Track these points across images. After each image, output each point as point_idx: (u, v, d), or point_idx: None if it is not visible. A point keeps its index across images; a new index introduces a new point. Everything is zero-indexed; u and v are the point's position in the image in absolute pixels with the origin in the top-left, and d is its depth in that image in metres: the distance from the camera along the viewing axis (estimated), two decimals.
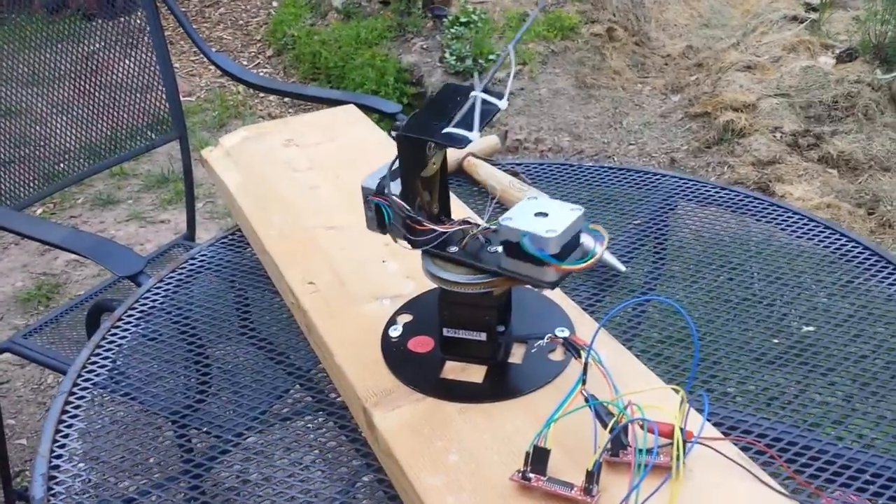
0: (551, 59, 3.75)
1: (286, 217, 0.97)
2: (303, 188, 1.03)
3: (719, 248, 0.98)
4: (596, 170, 1.14)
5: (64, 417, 0.76)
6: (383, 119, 1.61)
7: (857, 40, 3.54)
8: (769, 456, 0.65)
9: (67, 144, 1.85)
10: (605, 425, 0.60)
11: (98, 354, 0.84)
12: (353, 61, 3.81)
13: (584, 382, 0.63)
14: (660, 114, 3.55)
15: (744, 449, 0.63)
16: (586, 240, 0.66)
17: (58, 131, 1.84)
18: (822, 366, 0.77)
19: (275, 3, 5.07)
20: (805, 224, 1.01)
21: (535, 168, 1.15)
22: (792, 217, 1.02)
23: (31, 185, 1.75)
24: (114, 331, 0.87)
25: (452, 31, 3.69)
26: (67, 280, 2.78)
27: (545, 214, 0.64)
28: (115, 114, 1.92)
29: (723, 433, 0.64)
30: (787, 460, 0.67)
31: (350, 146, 1.12)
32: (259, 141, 1.15)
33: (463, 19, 3.73)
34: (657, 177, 1.11)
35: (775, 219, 1.03)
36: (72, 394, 0.78)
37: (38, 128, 1.81)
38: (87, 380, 0.80)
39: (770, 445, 0.69)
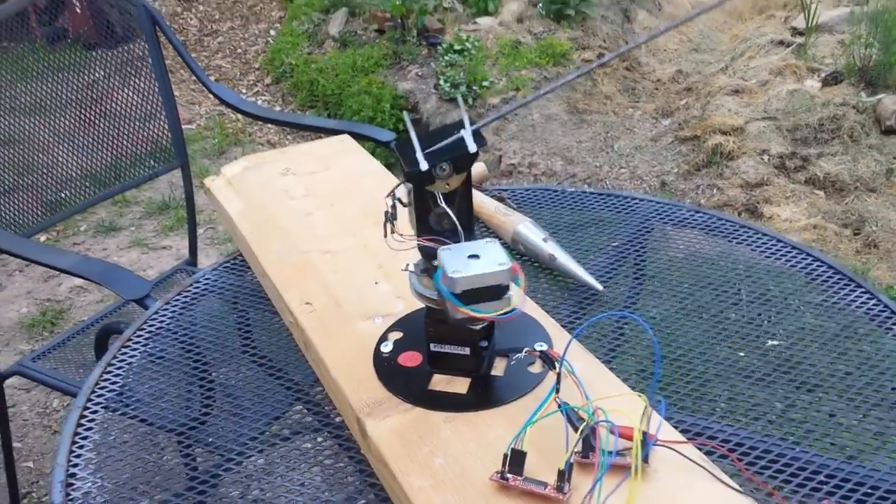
0: (544, 85, 3.83)
1: (284, 242, 1.03)
2: (299, 215, 1.09)
3: (701, 268, 1.04)
4: (578, 195, 1.21)
5: (79, 430, 0.81)
6: (378, 146, 1.67)
7: (843, 63, 3.62)
8: (730, 459, 0.71)
9: (70, 172, 1.89)
10: (575, 429, 0.66)
11: (109, 372, 0.90)
12: (349, 88, 3.89)
13: (557, 391, 0.69)
14: (650, 137, 3.63)
15: (708, 453, 0.68)
16: (515, 294, 0.70)
17: (60, 159, 1.88)
18: (808, 382, 0.82)
19: (272, 32, 5.17)
20: (774, 245, 1.07)
21: (521, 193, 1.21)
22: (762, 238, 1.09)
23: (35, 212, 1.78)
24: (123, 350, 0.93)
25: (446, 58, 3.78)
26: (71, 306, 2.84)
27: (477, 257, 0.70)
28: (117, 142, 1.96)
29: (688, 438, 0.70)
30: (746, 463, 0.73)
31: (344, 175, 1.18)
32: (258, 170, 1.21)
33: (457, 47, 3.82)
34: (635, 201, 1.18)
35: (746, 240, 1.09)
36: (86, 408, 0.84)
37: (40, 156, 1.85)
38: (99, 395, 0.86)
39: (732, 450, 0.74)
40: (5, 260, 3.12)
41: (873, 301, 0.95)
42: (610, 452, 0.63)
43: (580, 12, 4.12)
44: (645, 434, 0.66)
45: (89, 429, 0.82)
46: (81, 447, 0.79)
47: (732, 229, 1.11)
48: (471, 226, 0.76)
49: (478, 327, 0.76)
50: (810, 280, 1.00)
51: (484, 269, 0.68)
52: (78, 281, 2.98)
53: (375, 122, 3.71)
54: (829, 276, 1.01)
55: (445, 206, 0.73)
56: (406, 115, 0.75)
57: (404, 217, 0.77)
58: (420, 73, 3.87)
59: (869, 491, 0.71)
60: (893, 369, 0.85)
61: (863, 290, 0.97)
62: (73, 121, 1.90)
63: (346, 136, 1.30)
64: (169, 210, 3.39)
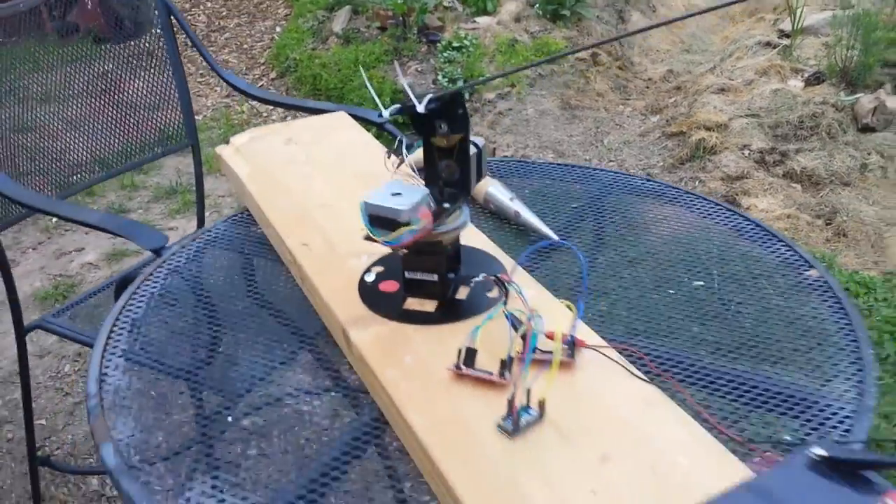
0: (538, 82, 3.99)
1: (287, 199, 1.19)
2: (300, 177, 1.25)
3: (645, 224, 1.19)
4: (545, 166, 1.36)
5: (108, 342, 0.97)
6: (371, 127, 1.82)
7: (825, 64, 3.78)
8: (638, 357, 0.86)
9: (80, 158, 1.99)
10: (516, 330, 0.81)
11: (134, 298, 1.05)
12: (351, 83, 4.05)
13: (505, 303, 0.84)
14: (639, 133, 3.78)
15: (628, 358, 0.84)
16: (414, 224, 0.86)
17: (71, 146, 1.98)
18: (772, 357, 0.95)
19: (278, 29, 5.34)
20: (704, 204, 1.23)
21: (495, 163, 1.37)
22: (696, 200, 1.24)
23: (47, 195, 1.87)
24: (145, 283, 1.09)
25: (445, 55, 3.94)
26: (82, 281, 3.00)
27: (399, 195, 0.87)
28: (126, 129, 2.06)
29: (614, 346, 0.86)
30: (651, 361, 0.88)
31: (340, 144, 1.34)
32: (263, 140, 1.37)
33: (455, 44, 3.98)
34: (596, 171, 1.33)
35: (682, 202, 1.25)
36: (114, 325, 1.00)
37: (52, 142, 1.95)
38: (126, 315, 1.02)
39: (645, 355, 0.90)
40: (19, 238, 3.28)
41: (790, 252, 1.10)
42: (535, 347, 0.78)
43: (575, 13, 4.28)
44: (572, 336, 0.81)
45: (117, 341, 0.98)
46: (112, 353, 0.95)
47: (676, 194, 1.26)
48: (466, 180, 0.91)
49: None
50: (736, 233, 1.16)
51: (386, 202, 0.85)
52: (88, 257, 3.14)
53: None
54: (751, 229, 1.16)
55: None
56: (396, 64, 0.90)
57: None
58: (419, 69, 4.03)
59: (762, 392, 0.86)
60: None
61: (783, 242, 1.12)
62: (83, 109, 2.00)
63: (342, 113, 1.45)
64: (176, 194, 3.55)
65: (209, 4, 5.86)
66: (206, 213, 3.33)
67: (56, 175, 1.94)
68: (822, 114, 3.41)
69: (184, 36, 2.07)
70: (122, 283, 1.39)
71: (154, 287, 1.08)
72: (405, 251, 0.93)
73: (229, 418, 0.87)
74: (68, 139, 1.98)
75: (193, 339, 0.99)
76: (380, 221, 0.86)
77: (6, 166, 1.83)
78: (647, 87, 4.25)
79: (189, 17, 5.64)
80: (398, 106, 0.88)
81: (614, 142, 3.74)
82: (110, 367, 0.92)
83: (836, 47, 3.76)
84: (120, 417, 0.86)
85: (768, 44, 4.17)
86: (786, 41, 4.11)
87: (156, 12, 1.98)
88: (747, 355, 0.92)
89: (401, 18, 4.18)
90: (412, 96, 0.87)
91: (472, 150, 0.89)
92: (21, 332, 1.78)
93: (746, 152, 3.34)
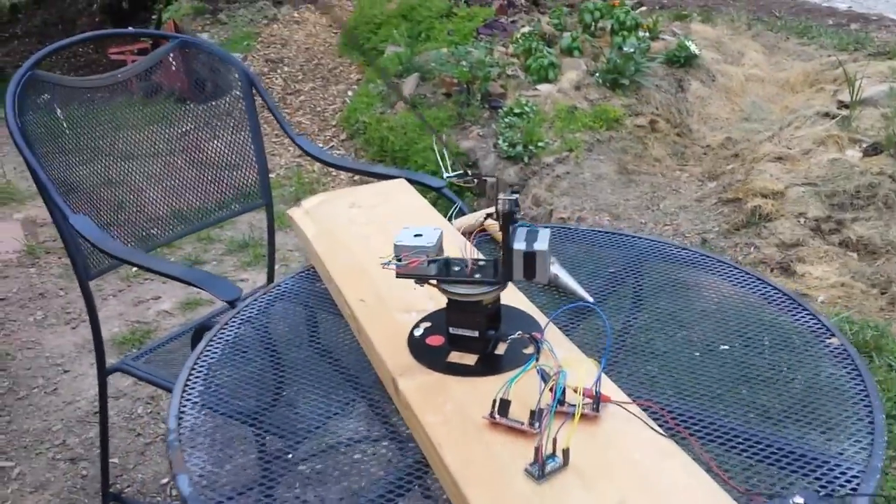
0: (596, 147, 4.10)
1: (347, 256, 1.31)
2: (360, 237, 1.38)
3: (680, 291, 1.28)
4: (585, 231, 1.46)
5: (187, 384, 1.10)
6: (430, 192, 1.96)
7: (883, 135, 3.80)
8: (660, 415, 0.94)
9: (160, 212, 2.09)
10: (546, 383, 0.91)
11: (210, 345, 1.18)
12: (416, 145, 4.23)
13: (537, 359, 0.94)
14: (695, 198, 3.85)
15: (651, 414, 0.92)
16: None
17: (151, 200, 2.09)
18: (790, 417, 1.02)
19: (349, 93, 5.60)
20: (740, 274, 1.31)
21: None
22: (731, 269, 1.32)
23: (127, 245, 1.96)
24: (221, 332, 1.22)
25: (506, 120, 4.09)
26: (158, 327, 3.18)
27: (420, 236, 1.03)
28: (205, 186, 2.18)
29: (635, 401, 0.94)
30: (672, 419, 0.97)
31: (398, 208, 1.47)
32: (331, 203, 1.51)
33: (516, 111, 4.13)
34: (633, 238, 1.43)
35: (718, 270, 1.33)
36: (193, 368, 1.12)
37: (133, 196, 2.07)
38: (203, 360, 1.15)
39: (666, 411, 0.98)
40: (101, 285, 3.50)
41: (814, 320, 1.17)
42: (562, 401, 0.88)
43: (634, 82, 4.40)
44: (597, 391, 0.91)
45: (194, 383, 1.10)
46: (191, 392, 1.07)
47: (709, 262, 1.35)
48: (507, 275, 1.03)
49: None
50: (765, 302, 1.23)
51: (405, 241, 1.02)
52: (164, 305, 3.33)
53: (438, 175, 4.04)
54: (780, 298, 1.24)
55: None
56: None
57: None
58: (481, 133, 4.19)
59: (775, 451, 0.93)
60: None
61: (807, 312, 1.19)
62: (164, 166, 2.12)
63: (401, 180, 1.59)
64: (248, 248, 3.75)
65: (286, 69, 6.17)
66: (276, 266, 3.50)
67: (137, 227, 2.06)
68: (880, 184, 3.43)
69: (261, 99, 2.21)
70: (199, 331, 1.53)
71: (228, 336, 1.21)
72: (446, 309, 1.04)
73: (289, 455, 0.98)
74: (149, 194, 2.10)
75: (260, 385, 1.11)
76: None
77: (92, 218, 1.97)
78: (705, 154, 4.32)
79: (266, 80, 5.95)
80: (460, 171, 1.02)
81: (670, 206, 3.81)
82: (187, 407, 1.05)
83: (894, 118, 3.78)
84: (195, 452, 0.97)
85: (827, 114, 4.21)
86: (845, 112, 4.15)
87: (236, 76, 2.15)
88: (767, 415, 0.99)
89: (465, 86, 4.36)
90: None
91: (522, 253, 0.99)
92: (103, 373, 1.94)
93: (802, 220, 3.37)
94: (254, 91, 2.17)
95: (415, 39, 5.55)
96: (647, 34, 4.76)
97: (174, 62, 2.49)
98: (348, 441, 1.03)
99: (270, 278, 2.36)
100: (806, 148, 3.90)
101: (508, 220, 0.97)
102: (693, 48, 4.71)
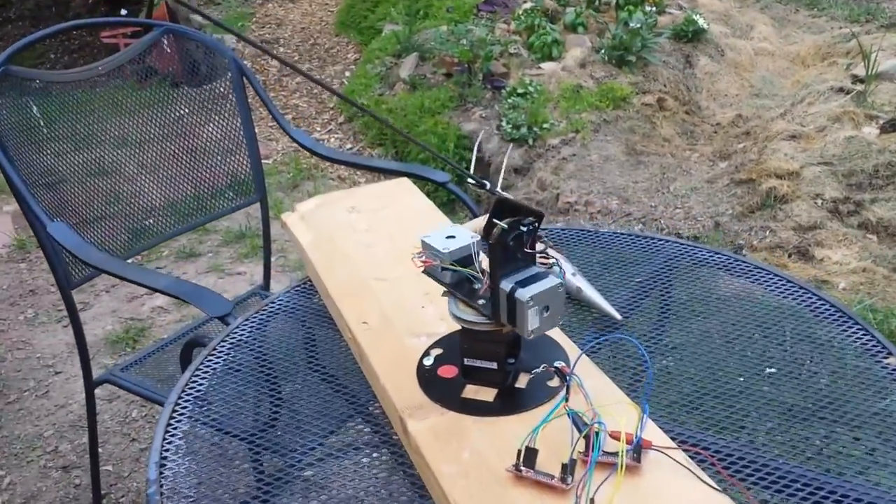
0: (603, 127, 3.96)
1: (347, 269, 1.19)
2: (361, 246, 1.25)
3: (716, 303, 1.16)
4: (609, 235, 1.34)
5: (171, 422, 0.98)
6: (436, 187, 1.83)
7: None
8: (709, 462, 0.83)
9: (154, 202, 2.01)
10: (579, 431, 0.79)
11: (197, 375, 1.06)
12: (417, 128, 4.09)
13: (567, 399, 0.82)
14: (706, 179, 3.71)
15: (700, 462, 0.81)
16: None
17: (146, 190, 1.99)
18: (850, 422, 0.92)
19: (347, 74, 5.44)
20: (780, 282, 1.18)
21: (557, 233, 1.35)
22: (773, 278, 1.20)
23: (121, 237, 1.91)
24: (209, 358, 1.10)
25: (510, 101, 3.95)
26: (152, 324, 3.07)
27: (453, 237, 0.91)
28: (199, 175, 2.09)
29: (679, 445, 0.82)
30: (732, 471, 0.85)
31: (401, 212, 1.34)
32: (328, 207, 1.38)
33: (520, 90, 3.99)
34: (661, 241, 1.30)
35: (759, 279, 1.21)
36: (177, 404, 1.01)
37: (127, 186, 1.98)
38: (187, 394, 1.03)
39: (716, 457, 0.86)
40: (94, 281, 3.38)
41: (867, 336, 1.05)
42: (601, 450, 0.76)
43: (641, 58, 4.25)
44: (638, 438, 0.79)
45: (179, 420, 0.98)
46: (173, 435, 0.95)
47: (745, 268, 1.22)
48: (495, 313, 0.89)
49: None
50: (813, 317, 1.11)
51: (430, 240, 0.92)
52: (159, 301, 3.21)
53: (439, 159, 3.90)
54: (831, 314, 1.11)
55: None
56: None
57: None
58: (484, 115, 4.05)
59: (839, 499, 0.81)
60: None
61: (859, 326, 1.07)
62: (158, 154, 2.03)
63: (404, 179, 1.46)
64: (244, 239, 3.62)
65: (282, 49, 6.01)
66: (274, 259, 3.38)
67: (131, 218, 1.97)
68: None
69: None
70: (189, 347, 1.41)
71: (217, 363, 1.09)
72: (462, 337, 0.92)
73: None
74: (143, 183, 2.01)
75: (254, 417, 0.99)
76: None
77: (83, 210, 1.87)
78: (715, 133, 4.18)
79: (262, 62, 5.79)
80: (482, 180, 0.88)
81: (681, 188, 3.68)
82: (170, 451, 0.93)
83: None
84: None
85: (841, 89, 4.06)
86: (859, 87, 4.00)
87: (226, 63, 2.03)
88: (824, 455, 0.88)
89: (466, 65, 4.21)
90: None
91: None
92: (90, 385, 1.82)
93: (819, 202, 3.25)
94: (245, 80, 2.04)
95: (413, 17, 5.38)
96: (654, 8, 4.59)
97: (167, 45, 2.40)
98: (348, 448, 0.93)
99: (267, 276, 2.24)
100: (820, 125, 3.76)
101: (499, 250, 0.83)
102: (701, 22, 4.55)
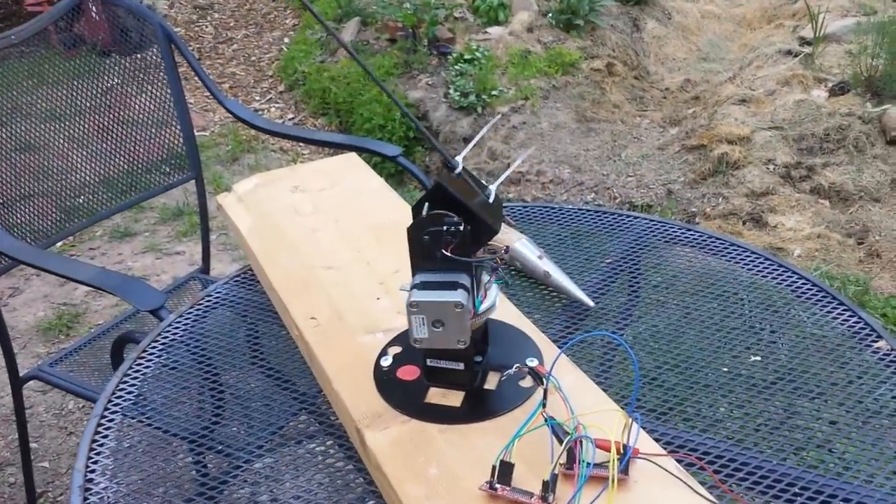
0: (552, 94, 3.88)
1: (291, 258, 1.08)
2: (306, 231, 1.14)
3: (691, 283, 1.08)
4: (575, 211, 1.25)
5: (96, 437, 0.86)
6: (384, 162, 1.72)
7: (849, 74, 3.65)
8: (699, 467, 0.75)
9: (86, 178, 1.91)
10: (560, 442, 0.70)
11: (125, 382, 0.95)
12: (360, 97, 3.95)
13: (544, 406, 0.73)
14: (658, 146, 3.66)
15: (688, 466, 0.73)
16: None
17: (76, 165, 1.89)
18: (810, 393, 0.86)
19: (286, 40, 5.24)
20: (762, 262, 1.11)
21: (520, 210, 1.26)
22: (750, 255, 1.13)
23: (52, 217, 1.80)
24: (139, 361, 0.99)
25: (456, 67, 3.83)
26: (87, 310, 2.90)
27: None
28: (132, 148, 1.98)
29: (668, 451, 0.75)
30: (724, 476, 0.77)
31: (349, 192, 1.23)
32: (269, 187, 1.26)
33: (467, 56, 3.87)
34: (629, 218, 1.22)
35: (735, 257, 1.13)
36: (103, 417, 0.89)
37: (57, 162, 1.86)
38: (116, 405, 0.91)
39: (710, 463, 0.79)
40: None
41: (854, 318, 0.99)
42: (589, 464, 0.67)
43: (589, 22, 4.16)
44: (626, 447, 0.70)
45: (106, 436, 0.87)
46: (98, 453, 0.84)
47: (720, 245, 1.15)
48: None
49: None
50: (796, 297, 1.04)
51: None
52: None
53: (386, 129, 3.77)
54: (814, 294, 1.05)
55: None
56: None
57: None
58: (430, 83, 3.92)
59: (841, 502, 0.75)
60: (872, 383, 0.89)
61: (844, 307, 1.01)
62: (88, 127, 1.93)
63: (352, 154, 1.35)
64: (182, 216, 3.45)
65: (216, 15, 5.77)
66: (214, 236, 3.23)
67: (61, 196, 1.86)
68: (849, 126, 3.28)
69: (191, 49, 1.97)
70: (119, 344, 1.29)
71: (147, 368, 0.97)
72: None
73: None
74: (73, 158, 1.90)
75: (193, 424, 0.88)
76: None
77: (10, 188, 1.75)
78: (665, 98, 4.13)
79: (196, 28, 5.55)
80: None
81: (632, 156, 3.62)
82: (96, 472, 0.82)
83: (860, 56, 3.63)
84: None
85: (789, 52, 4.04)
86: (807, 49, 3.98)
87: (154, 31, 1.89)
88: (816, 451, 0.81)
89: (410, 30, 4.07)
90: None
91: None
92: (17, 383, 1.68)
93: (771, 167, 3.22)
94: (173, 48, 1.90)
95: None
96: None
97: (95, 11, 2.26)
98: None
99: (206, 259, 2.11)
100: (770, 89, 3.73)
101: (413, 240, 0.74)
102: None
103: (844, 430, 0.85)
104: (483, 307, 0.78)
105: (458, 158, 0.74)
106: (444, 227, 0.73)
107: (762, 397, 0.89)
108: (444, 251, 0.74)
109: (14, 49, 1.83)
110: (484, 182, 0.78)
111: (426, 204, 0.74)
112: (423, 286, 0.75)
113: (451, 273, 0.75)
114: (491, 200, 0.75)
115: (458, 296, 0.73)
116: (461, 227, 0.73)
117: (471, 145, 0.90)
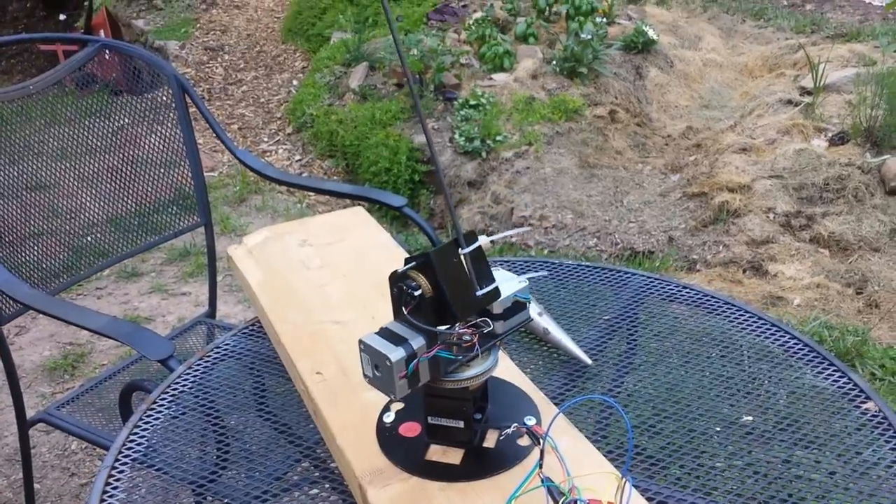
0: (556, 140, 3.94)
1: (299, 312, 1.12)
2: (314, 286, 1.18)
3: (685, 343, 1.11)
4: (574, 267, 1.29)
5: (107, 489, 0.89)
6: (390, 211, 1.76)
7: (849, 124, 3.71)
8: None
9: (94, 217, 1.92)
10: (555, 503, 0.73)
11: (135, 433, 0.98)
12: (367, 140, 4.02)
13: (540, 466, 0.76)
14: (659, 193, 3.71)
15: None
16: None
17: (86, 204, 1.91)
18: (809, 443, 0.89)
19: (295, 82, 5.33)
20: (752, 319, 1.14)
21: (520, 265, 1.29)
22: (744, 315, 1.16)
23: (60, 256, 1.81)
24: (149, 412, 1.02)
25: (462, 113, 3.90)
26: (92, 350, 2.93)
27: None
28: (141, 188, 2.00)
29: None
30: None
31: (357, 247, 1.27)
32: (278, 241, 1.30)
33: (472, 102, 3.94)
34: (627, 275, 1.25)
35: (729, 316, 1.16)
36: (114, 468, 0.92)
37: (66, 201, 1.88)
38: (126, 455, 0.94)
39: None
40: None
41: (844, 379, 1.02)
42: None
43: (593, 70, 4.24)
44: None
45: (115, 487, 0.90)
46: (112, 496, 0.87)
47: (715, 304, 1.18)
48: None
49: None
50: (787, 357, 1.07)
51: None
52: None
53: (391, 172, 3.83)
54: (805, 354, 1.08)
55: None
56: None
57: None
58: (436, 127, 3.99)
59: None
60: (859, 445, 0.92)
61: (835, 367, 1.04)
62: (98, 166, 1.95)
63: (359, 209, 1.39)
64: (189, 256, 3.50)
65: (227, 57, 5.88)
66: (220, 277, 3.27)
67: (69, 235, 1.88)
68: (849, 176, 3.33)
69: (201, 89, 2.01)
70: (128, 391, 1.32)
71: (156, 421, 1.00)
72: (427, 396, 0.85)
73: None
74: (83, 197, 1.92)
75: (200, 476, 0.91)
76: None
77: (20, 226, 1.77)
78: (667, 145, 4.19)
79: (206, 70, 5.65)
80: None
81: (634, 202, 3.67)
82: None
83: (860, 106, 3.69)
84: None
85: (789, 101, 4.11)
86: (808, 99, 4.05)
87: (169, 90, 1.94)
88: (784, 479, 0.83)
89: (417, 76, 4.15)
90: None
91: None
92: (24, 425, 1.71)
93: (771, 215, 3.26)
94: (187, 99, 1.95)
95: (362, 25, 5.30)
96: (604, 19, 4.59)
97: (108, 50, 2.30)
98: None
99: (213, 303, 2.14)
100: (770, 137, 3.79)
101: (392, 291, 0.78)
102: (651, 33, 4.57)
103: (842, 483, 0.87)
104: (422, 373, 0.79)
105: (483, 238, 0.79)
106: (405, 288, 0.77)
107: (759, 445, 0.92)
108: (403, 308, 0.79)
109: (28, 98, 1.87)
110: (493, 265, 0.82)
111: (410, 263, 0.79)
112: (382, 332, 0.80)
113: (409, 330, 0.79)
114: (478, 294, 0.79)
115: (394, 352, 0.77)
116: (416, 293, 0.77)
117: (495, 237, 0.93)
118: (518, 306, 0.82)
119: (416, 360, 0.78)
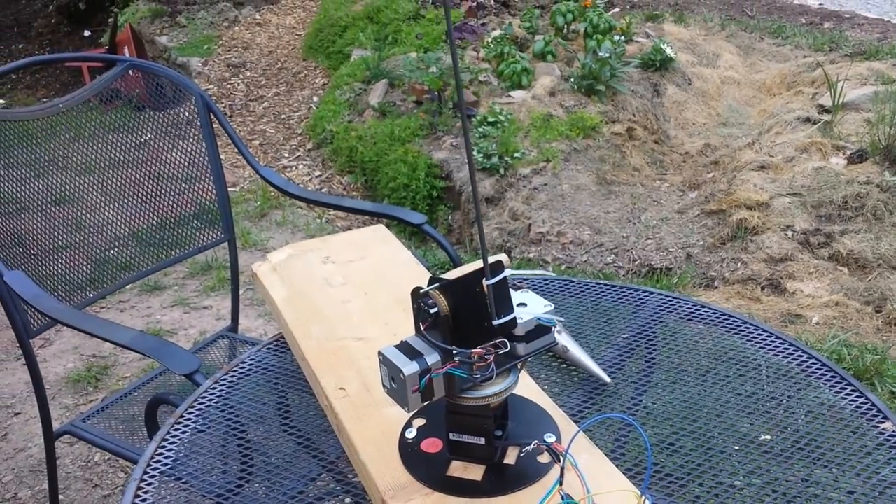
0: (573, 157, 3.96)
1: (322, 328, 1.14)
2: (337, 302, 1.20)
3: (703, 361, 1.13)
4: (593, 286, 1.30)
5: (136, 500, 0.92)
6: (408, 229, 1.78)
7: (868, 142, 3.70)
8: None
9: (118, 231, 1.95)
10: None
11: (163, 446, 1.00)
12: (387, 156, 4.05)
13: (561, 483, 0.78)
14: (677, 210, 3.72)
15: None
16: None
17: (109, 218, 1.94)
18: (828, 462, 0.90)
19: (315, 99, 5.39)
20: (769, 338, 1.16)
21: (539, 283, 1.31)
22: (762, 334, 1.17)
23: (84, 269, 1.84)
24: (176, 426, 1.04)
25: (480, 129, 3.93)
26: (115, 362, 2.97)
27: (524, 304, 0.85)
28: (164, 202, 2.03)
29: None
30: None
31: (378, 264, 1.30)
32: (301, 258, 1.33)
33: (490, 119, 3.97)
34: (645, 293, 1.27)
35: (747, 335, 1.18)
36: (142, 480, 0.94)
37: (90, 215, 1.91)
38: (154, 468, 0.97)
39: None
40: None
41: (862, 399, 1.03)
42: None
43: (610, 87, 4.26)
44: None
45: (144, 500, 0.92)
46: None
47: (733, 323, 1.19)
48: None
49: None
50: (805, 376, 1.08)
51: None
52: None
53: (410, 188, 3.86)
54: (824, 373, 1.09)
55: None
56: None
57: None
58: (454, 144, 4.02)
59: None
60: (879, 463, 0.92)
61: (852, 387, 1.05)
62: (122, 180, 1.98)
63: (380, 226, 1.41)
64: (211, 270, 3.54)
65: (249, 73, 5.95)
66: (241, 291, 3.30)
67: (93, 249, 1.90)
68: (867, 194, 3.32)
69: (223, 105, 2.05)
70: (154, 405, 1.35)
71: (185, 432, 1.03)
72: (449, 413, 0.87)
73: None
74: (107, 211, 1.95)
75: (226, 489, 0.93)
76: None
77: (45, 240, 1.80)
78: (684, 162, 4.20)
79: (228, 86, 5.73)
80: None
81: (652, 219, 3.68)
82: None
83: (878, 124, 3.68)
84: None
85: (808, 119, 4.10)
86: (826, 117, 4.05)
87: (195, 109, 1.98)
88: (803, 497, 0.84)
89: (436, 93, 4.19)
90: None
91: None
92: (50, 437, 1.74)
93: (790, 233, 3.26)
94: (212, 117, 1.98)
95: (382, 43, 5.36)
96: (622, 37, 4.62)
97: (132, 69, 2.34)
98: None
99: (235, 318, 2.17)
100: (788, 155, 3.79)
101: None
102: (668, 51, 4.59)
103: (861, 501, 0.88)
104: (437, 388, 0.82)
105: (508, 272, 0.81)
106: (423, 305, 0.80)
107: (777, 463, 0.93)
108: (420, 324, 0.82)
109: (37, 122, 1.90)
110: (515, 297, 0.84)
111: (433, 283, 0.81)
112: (401, 345, 0.83)
113: (426, 346, 0.82)
114: (495, 323, 0.81)
115: (407, 366, 0.80)
116: (432, 311, 0.79)
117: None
118: (542, 329, 0.84)
119: (428, 376, 0.80)
